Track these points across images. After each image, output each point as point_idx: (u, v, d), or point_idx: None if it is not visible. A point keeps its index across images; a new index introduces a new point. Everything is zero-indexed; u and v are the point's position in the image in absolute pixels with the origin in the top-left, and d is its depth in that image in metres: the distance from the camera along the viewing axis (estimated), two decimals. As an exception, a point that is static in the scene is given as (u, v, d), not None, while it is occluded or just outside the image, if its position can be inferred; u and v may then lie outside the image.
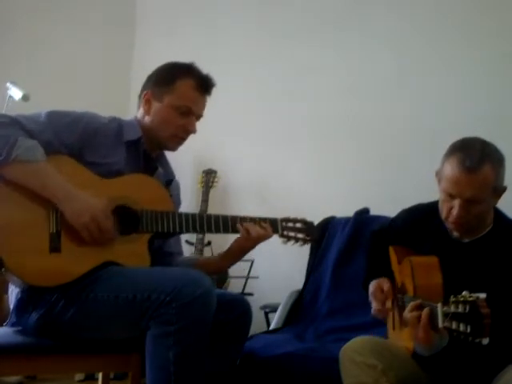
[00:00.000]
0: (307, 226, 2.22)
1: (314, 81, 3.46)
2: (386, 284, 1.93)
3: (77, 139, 1.97)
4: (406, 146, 3.11)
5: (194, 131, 2.14)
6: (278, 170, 3.55)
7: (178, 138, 2.13)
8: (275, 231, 2.15)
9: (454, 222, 1.79)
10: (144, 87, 2.15)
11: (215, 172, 3.68)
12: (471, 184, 1.72)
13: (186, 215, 2.05)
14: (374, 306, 1.94)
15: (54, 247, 1.88)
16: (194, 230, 2.07)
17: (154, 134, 2.11)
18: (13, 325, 2.02)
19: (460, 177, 1.73)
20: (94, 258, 1.91)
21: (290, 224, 2.19)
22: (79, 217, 1.87)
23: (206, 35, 3.95)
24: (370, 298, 1.96)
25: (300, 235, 2.20)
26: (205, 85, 2.13)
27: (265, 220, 2.13)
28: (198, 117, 2.15)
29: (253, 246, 2.13)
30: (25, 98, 3.32)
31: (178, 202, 2.27)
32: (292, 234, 2.19)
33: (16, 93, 3.34)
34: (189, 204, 3.90)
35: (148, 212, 2.00)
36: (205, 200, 3.63)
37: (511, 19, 2.86)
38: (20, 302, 1.96)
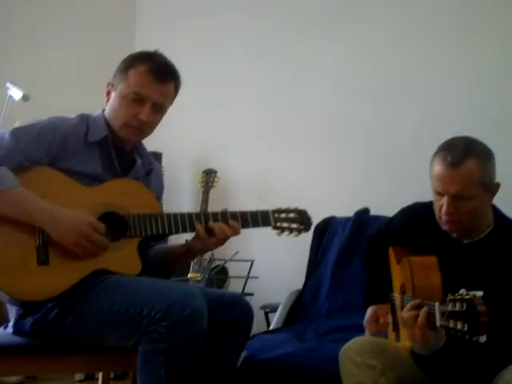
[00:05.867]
0: (300, 215, 2.11)
1: (314, 81, 3.46)
2: (382, 317, 1.92)
3: (45, 154, 1.90)
4: (406, 147, 3.11)
5: (144, 119, 1.95)
6: (278, 170, 3.55)
7: (130, 127, 1.97)
8: (267, 224, 2.06)
9: (444, 220, 1.79)
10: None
11: (215, 172, 3.67)
12: (455, 179, 1.73)
13: (175, 215, 1.97)
14: (367, 333, 1.96)
15: (42, 260, 1.83)
16: (184, 230, 1.99)
17: (111, 125, 2.00)
18: (5, 327, 2.00)
19: (443, 173, 1.74)
20: (83, 267, 1.86)
21: (283, 215, 2.09)
22: (67, 236, 1.82)
23: (205, 36, 3.95)
24: (364, 324, 1.97)
25: (294, 225, 2.10)
26: (159, 70, 1.96)
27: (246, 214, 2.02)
28: (155, 105, 1.96)
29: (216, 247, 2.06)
30: (25, 97, 3.31)
31: (159, 191, 2.19)
32: (285, 224, 2.08)
33: (16, 93, 3.34)
34: (189, 204, 3.92)
35: (135, 216, 1.93)
36: (205, 200, 3.62)
37: None
38: (16, 307, 1.95)
